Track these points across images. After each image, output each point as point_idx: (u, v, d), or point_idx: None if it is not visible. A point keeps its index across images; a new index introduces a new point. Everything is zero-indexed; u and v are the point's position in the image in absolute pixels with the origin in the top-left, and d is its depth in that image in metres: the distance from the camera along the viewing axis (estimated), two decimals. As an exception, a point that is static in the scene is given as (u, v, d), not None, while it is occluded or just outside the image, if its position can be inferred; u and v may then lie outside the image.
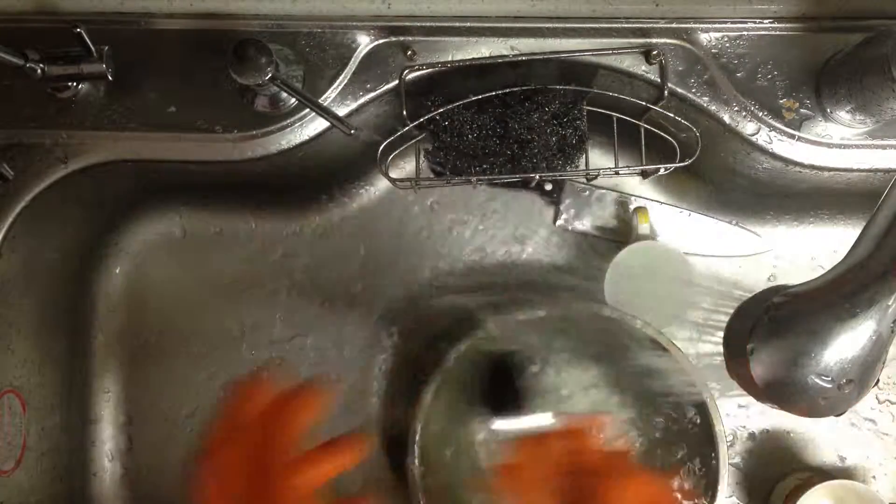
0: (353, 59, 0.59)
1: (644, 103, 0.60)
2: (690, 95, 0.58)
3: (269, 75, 0.52)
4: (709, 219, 0.70)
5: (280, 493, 0.40)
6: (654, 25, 0.58)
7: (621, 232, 0.69)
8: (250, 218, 0.72)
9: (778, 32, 0.58)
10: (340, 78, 0.58)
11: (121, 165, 0.60)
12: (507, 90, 0.60)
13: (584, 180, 0.68)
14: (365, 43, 0.59)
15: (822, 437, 0.69)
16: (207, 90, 0.58)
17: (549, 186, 0.70)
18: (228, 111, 0.59)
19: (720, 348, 0.42)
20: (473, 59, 0.59)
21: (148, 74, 0.59)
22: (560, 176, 0.66)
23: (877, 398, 0.70)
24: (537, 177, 0.62)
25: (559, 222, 0.70)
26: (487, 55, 0.59)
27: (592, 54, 0.58)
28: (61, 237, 0.65)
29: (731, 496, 0.69)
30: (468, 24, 0.58)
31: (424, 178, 0.66)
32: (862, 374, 0.34)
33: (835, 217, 0.70)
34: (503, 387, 0.60)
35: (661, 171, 0.63)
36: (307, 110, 0.59)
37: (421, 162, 0.65)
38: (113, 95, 0.59)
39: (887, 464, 0.69)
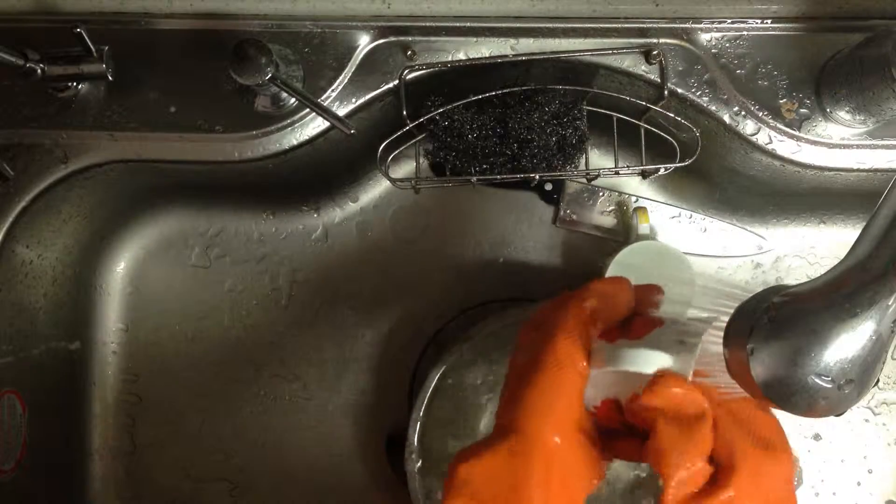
0: (353, 59, 0.58)
1: (644, 103, 0.60)
2: (690, 95, 0.58)
3: (269, 75, 0.52)
4: (709, 219, 0.70)
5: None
6: (654, 25, 0.58)
7: (621, 232, 0.69)
8: (250, 218, 0.72)
9: (778, 32, 0.58)
10: (340, 78, 0.58)
11: (121, 165, 0.60)
12: (507, 90, 0.60)
13: (584, 180, 0.68)
14: (365, 43, 0.59)
15: (821, 438, 0.70)
16: (207, 90, 0.58)
17: (549, 186, 0.70)
18: (228, 111, 0.59)
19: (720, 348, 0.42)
20: (473, 59, 0.59)
21: (148, 74, 0.59)
22: (560, 176, 0.66)
23: (876, 398, 0.70)
24: (537, 177, 0.62)
25: (559, 222, 0.70)
26: (487, 55, 0.59)
27: (592, 54, 0.58)
28: (61, 237, 0.65)
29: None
30: (468, 24, 0.58)
31: (424, 178, 0.66)
32: (862, 374, 0.33)
33: (835, 217, 0.70)
34: None
35: (661, 171, 0.63)
36: (307, 110, 0.59)
37: (421, 162, 0.65)
38: (113, 95, 0.59)
39: (887, 463, 0.69)
